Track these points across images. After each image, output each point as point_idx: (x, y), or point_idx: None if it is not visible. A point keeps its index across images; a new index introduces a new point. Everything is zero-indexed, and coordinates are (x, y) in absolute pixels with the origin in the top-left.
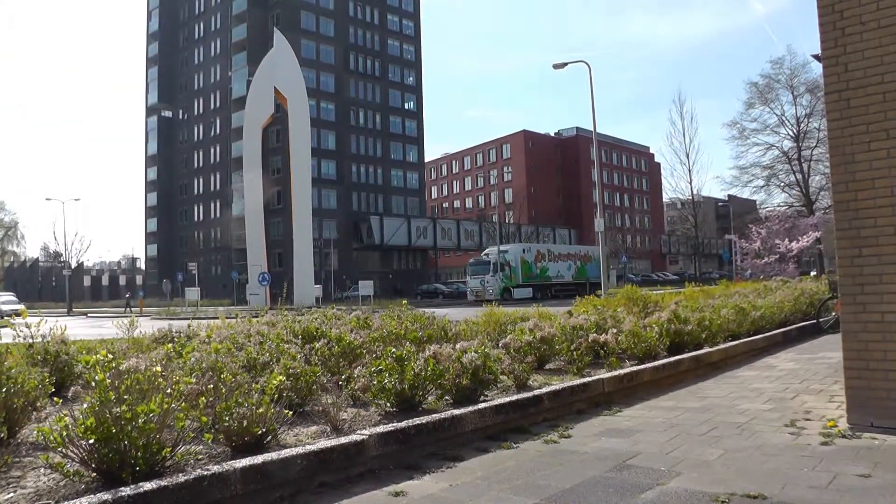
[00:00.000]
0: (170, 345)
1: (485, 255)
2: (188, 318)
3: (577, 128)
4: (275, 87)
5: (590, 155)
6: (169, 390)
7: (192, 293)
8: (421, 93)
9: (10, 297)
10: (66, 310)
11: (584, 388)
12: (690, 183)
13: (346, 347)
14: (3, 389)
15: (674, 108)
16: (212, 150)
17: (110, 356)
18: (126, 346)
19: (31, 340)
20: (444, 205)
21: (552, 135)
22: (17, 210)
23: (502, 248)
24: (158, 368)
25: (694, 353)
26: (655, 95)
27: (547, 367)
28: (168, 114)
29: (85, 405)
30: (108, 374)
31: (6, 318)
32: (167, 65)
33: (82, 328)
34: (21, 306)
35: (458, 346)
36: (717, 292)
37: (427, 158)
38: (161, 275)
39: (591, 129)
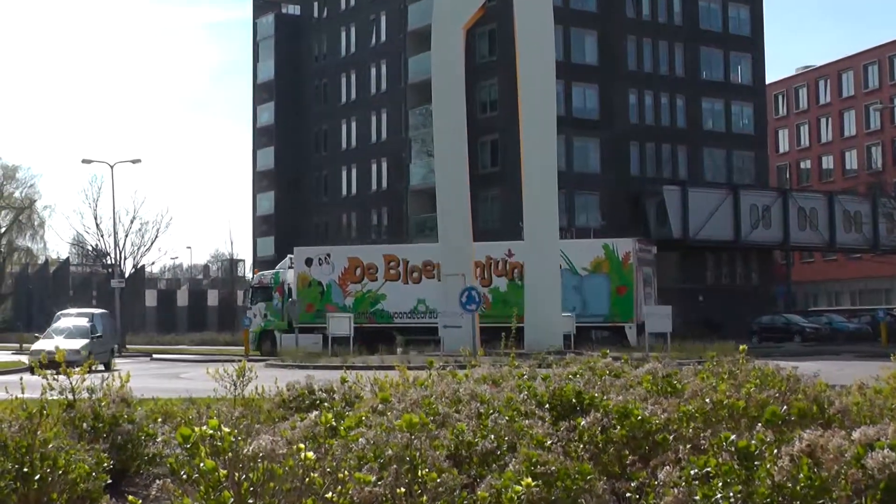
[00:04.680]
0: (314, 413)
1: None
2: (337, 367)
3: None
4: None
5: None
6: (330, 494)
7: (340, 323)
8: None
9: (78, 321)
10: (116, 346)
11: None
12: None
13: (637, 429)
14: (36, 477)
15: None
16: (372, 72)
17: (224, 430)
18: (236, 411)
19: (70, 396)
20: (802, 164)
21: None
22: (43, 181)
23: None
24: (311, 455)
25: None
26: None
27: None
28: (293, 9)
29: None
30: (221, 460)
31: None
32: None
33: (149, 378)
34: (81, 345)
35: (855, 434)
36: None
37: (770, 78)
38: None
39: None
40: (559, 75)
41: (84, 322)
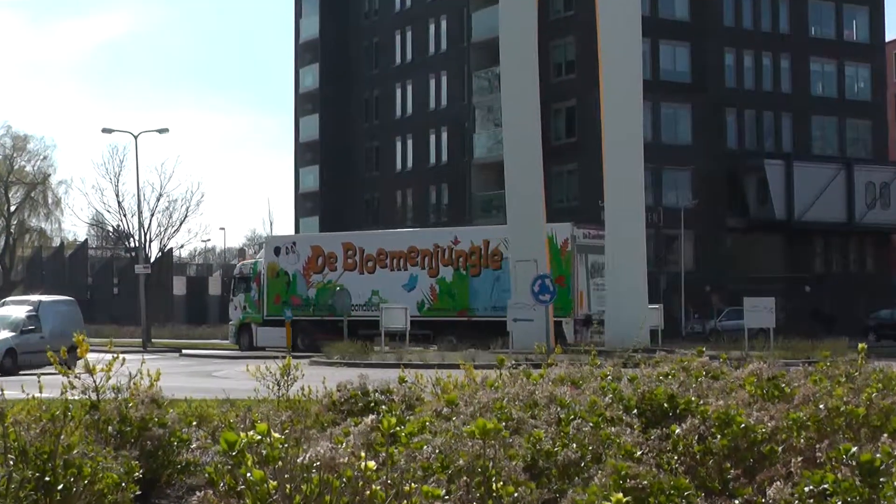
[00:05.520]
0: (370, 417)
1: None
2: (391, 365)
3: None
4: None
5: None
6: None
7: (395, 315)
8: None
9: (12, 310)
10: (140, 340)
11: None
12: None
13: (740, 439)
14: (59, 487)
15: None
16: (430, 29)
17: (275, 435)
18: (283, 415)
19: (94, 396)
20: None
21: None
22: (58, 153)
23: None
24: (371, 464)
25: None
26: None
27: None
28: None
29: None
30: (270, 469)
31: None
32: None
33: (179, 376)
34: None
35: None
36: None
37: (890, 35)
38: None
39: None
40: (645, 32)
41: (18, 312)
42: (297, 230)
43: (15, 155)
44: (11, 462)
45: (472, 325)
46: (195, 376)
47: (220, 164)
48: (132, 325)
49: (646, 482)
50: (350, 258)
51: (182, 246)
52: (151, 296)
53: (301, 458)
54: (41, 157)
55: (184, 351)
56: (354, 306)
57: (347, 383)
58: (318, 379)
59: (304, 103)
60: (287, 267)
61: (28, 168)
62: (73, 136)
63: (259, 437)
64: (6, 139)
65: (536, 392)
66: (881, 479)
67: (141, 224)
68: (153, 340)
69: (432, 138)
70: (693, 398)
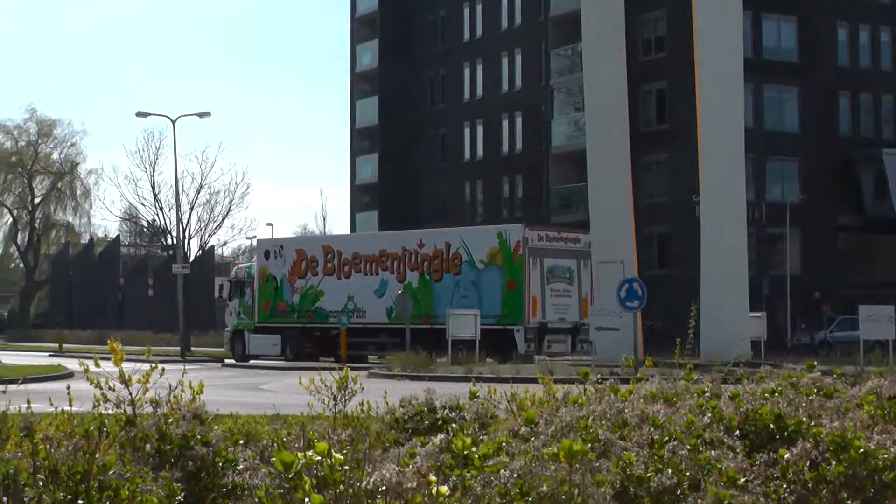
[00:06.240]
0: (439, 437)
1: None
2: (459, 378)
3: None
4: None
5: None
6: None
7: (463, 322)
8: None
9: None
10: (178, 348)
11: None
12: None
13: (859, 466)
14: None
15: None
16: (503, 2)
17: (336, 456)
18: (343, 433)
19: (130, 411)
20: None
21: None
22: (88, 140)
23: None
24: (444, 490)
25: None
26: None
27: None
28: None
29: None
30: (329, 494)
31: None
32: None
33: (222, 388)
34: None
35: None
36: None
37: None
38: None
39: None
40: (746, 4)
41: None
42: (353, 227)
43: (40, 141)
44: (41, 483)
45: (433, 332)
46: (240, 389)
47: (268, 152)
48: (169, 331)
49: None
50: (329, 262)
51: (225, 243)
52: (190, 299)
53: (364, 482)
54: (69, 143)
55: (227, 361)
56: (333, 312)
57: (412, 398)
58: (378, 393)
59: (360, 84)
60: (275, 271)
61: (55, 156)
62: (105, 121)
63: (318, 457)
64: (31, 124)
65: (626, 410)
66: None
67: (179, 219)
68: (192, 349)
69: (505, 124)
70: (804, 419)
